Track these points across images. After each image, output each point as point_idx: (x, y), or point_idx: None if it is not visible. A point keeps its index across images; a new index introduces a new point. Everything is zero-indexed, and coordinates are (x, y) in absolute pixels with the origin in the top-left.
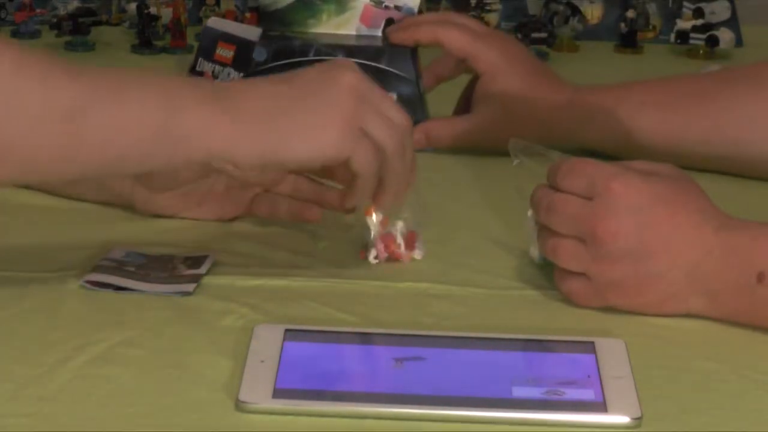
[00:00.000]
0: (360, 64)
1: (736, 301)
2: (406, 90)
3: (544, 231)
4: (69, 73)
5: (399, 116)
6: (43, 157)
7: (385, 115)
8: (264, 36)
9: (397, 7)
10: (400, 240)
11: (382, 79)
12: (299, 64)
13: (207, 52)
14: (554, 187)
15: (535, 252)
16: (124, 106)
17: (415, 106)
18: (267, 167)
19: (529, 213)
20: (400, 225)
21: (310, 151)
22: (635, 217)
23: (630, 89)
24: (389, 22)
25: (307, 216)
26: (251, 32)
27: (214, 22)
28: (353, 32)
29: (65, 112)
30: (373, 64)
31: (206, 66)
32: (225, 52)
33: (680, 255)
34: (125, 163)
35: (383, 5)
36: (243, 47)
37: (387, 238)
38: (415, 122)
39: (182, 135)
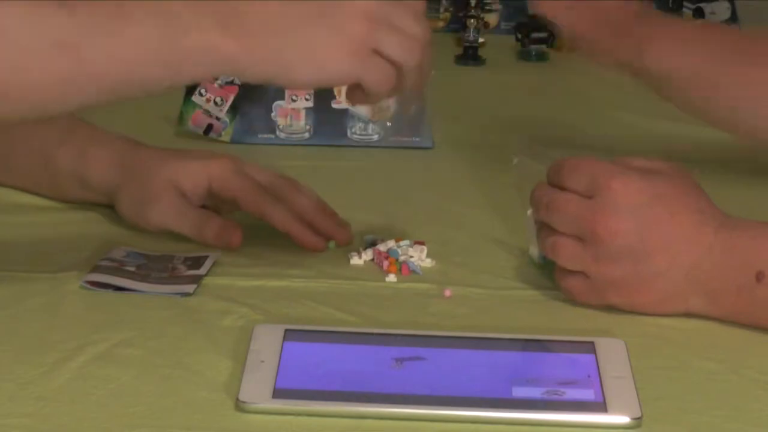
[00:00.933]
0: None
1: (735, 301)
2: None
3: (544, 229)
4: (63, 4)
5: (419, 29)
6: (41, 90)
7: (403, 31)
8: None
9: None
10: (413, 265)
11: None
12: None
13: None
14: (555, 185)
15: (534, 251)
16: (123, 33)
17: (416, 103)
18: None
19: (529, 212)
20: (406, 242)
21: (315, 74)
22: (635, 216)
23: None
24: None
25: (313, 245)
26: None
27: None
28: None
29: (58, 42)
30: None
31: None
32: None
33: (680, 254)
34: (127, 88)
35: None
36: None
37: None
38: (417, 120)
39: (183, 58)
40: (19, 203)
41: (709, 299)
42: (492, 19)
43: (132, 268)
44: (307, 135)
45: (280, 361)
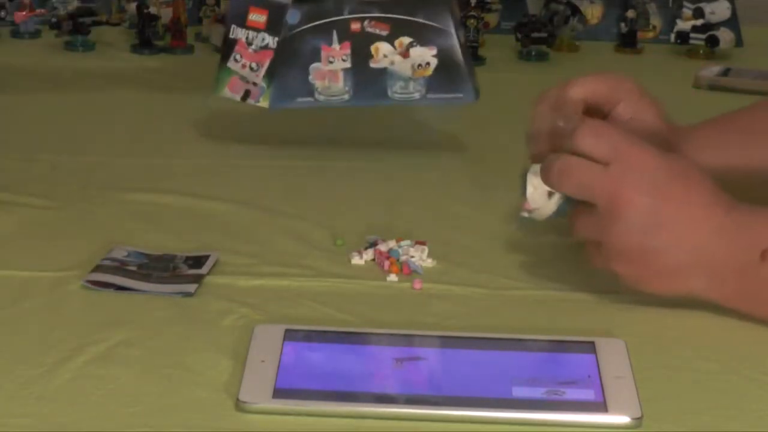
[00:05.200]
0: (397, 19)
1: (738, 281)
2: (446, 42)
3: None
4: None
5: None
6: None
7: None
8: None
9: None
10: (414, 266)
11: (420, 32)
12: (333, 24)
13: (239, 18)
14: (567, 150)
15: (526, 210)
16: None
17: (455, 58)
18: None
19: (530, 171)
20: (407, 242)
21: None
22: (652, 189)
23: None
24: None
25: None
26: None
27: None
28: None
29: None
30: (411, 18)
31: (240, 33)
32: (257, 17)
33: (687, 233)
34: None
35: None
36: (276, 10)
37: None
38: (458, 75)
39: None
40: (19, 203)
41: (712, 280)
42: (492, 19)
43: (133, 268)
44: (346, 96)
45: (280, 361)
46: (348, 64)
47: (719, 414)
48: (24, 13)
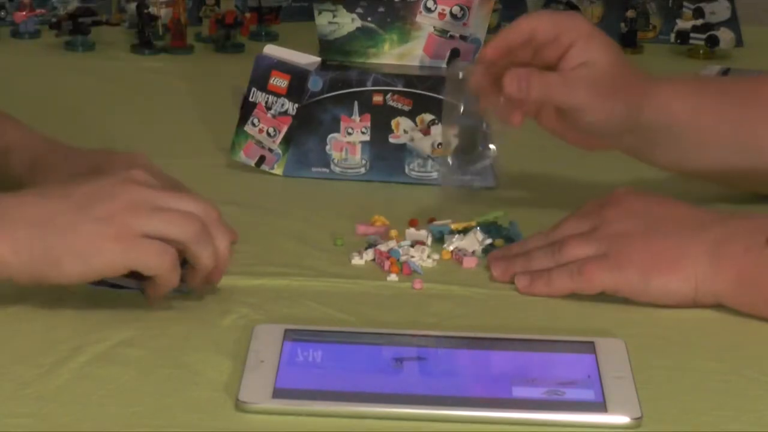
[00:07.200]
0: (420, 95)
1: (742, 263)
2: (469, 122)
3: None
4: None
5: (195, 206)
6: None
7: (174, 209)
8: (322, 65)
9: (462, 38)
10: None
11: (443, 110)
12: (356, 95)
13: (260, 81)
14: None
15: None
16: None
17: (478, 138)
18: (44, 285)
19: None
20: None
21: (82, 267)
22: (643, 204)
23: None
24: (454, 53)
25: None
26: (308, 60)
27: (270, 50)
28: (416, 63)
29: None
30: (434, 95)
31: (259, 96)
32: (279, 81)
33: (687, 220)
34: None
35: (448, 35)
36: (298, 76)
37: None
38: (479, 157)
39: None
40: None
41: (714, 264)
42: (492, 19)
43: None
44: (362, 170)
45: (280, 361)
46: (367, 137)
47: (719, 414)
48: (24, 13)
